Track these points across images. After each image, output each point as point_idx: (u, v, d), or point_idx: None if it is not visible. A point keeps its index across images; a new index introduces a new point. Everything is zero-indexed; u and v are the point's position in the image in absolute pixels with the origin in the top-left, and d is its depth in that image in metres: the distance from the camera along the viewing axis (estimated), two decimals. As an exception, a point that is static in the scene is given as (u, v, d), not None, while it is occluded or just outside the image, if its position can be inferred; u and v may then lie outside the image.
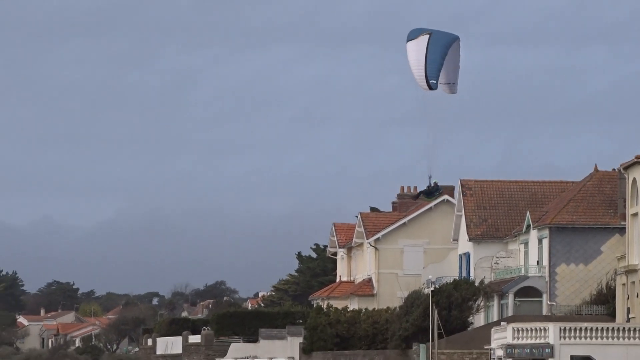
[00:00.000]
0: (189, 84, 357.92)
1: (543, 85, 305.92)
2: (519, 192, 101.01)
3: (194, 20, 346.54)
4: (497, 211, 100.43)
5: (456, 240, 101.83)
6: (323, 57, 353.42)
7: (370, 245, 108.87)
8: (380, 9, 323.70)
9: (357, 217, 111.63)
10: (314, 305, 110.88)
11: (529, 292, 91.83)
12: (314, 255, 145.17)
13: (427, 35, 40.30)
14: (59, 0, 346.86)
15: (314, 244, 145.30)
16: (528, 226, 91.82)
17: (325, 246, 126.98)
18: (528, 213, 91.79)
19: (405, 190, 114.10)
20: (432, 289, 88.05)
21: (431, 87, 40.10)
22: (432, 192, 43.10)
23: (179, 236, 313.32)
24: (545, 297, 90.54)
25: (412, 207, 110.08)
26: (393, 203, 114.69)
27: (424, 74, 39.64)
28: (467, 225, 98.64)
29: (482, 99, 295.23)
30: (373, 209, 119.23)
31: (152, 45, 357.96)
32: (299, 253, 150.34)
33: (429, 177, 41.66)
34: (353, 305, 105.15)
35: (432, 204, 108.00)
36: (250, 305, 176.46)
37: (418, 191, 42.45)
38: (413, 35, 40.35)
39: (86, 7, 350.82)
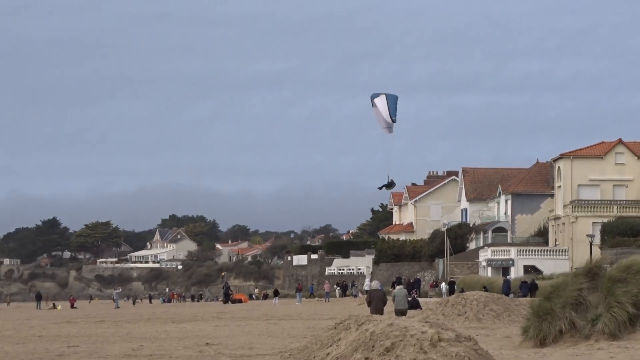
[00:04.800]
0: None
1: None
2: (493, 174, 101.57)
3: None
4: (484, 183, 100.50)
5: (459, 201, 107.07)
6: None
7: (412, 204, 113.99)
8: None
9: (404, 188, 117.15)
10: (381, 237, 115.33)
11: (499, 229, 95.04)
12: (380, 209, 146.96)
13: (384, 95, 40.59)
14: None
15: (380, 203, 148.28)
16: (499, 193, 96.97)
17: (386, 204, 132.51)
18: (499, 187, 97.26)
19: (431, 173, 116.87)
20: (446, 228, 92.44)
21: (393, 121, 40.06)
22: (390, 184, 41.91)
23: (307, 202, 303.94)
24: (509, 232, 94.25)
25: (435, 182, 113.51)
26: (424, 180, 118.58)
27: (388, 113, 38.90)
28: (466, 193, 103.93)
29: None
30: (413, 184, 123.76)
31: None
32: (372, 208, 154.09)
33: (388, 176, 40.84)
34: (402, 237, 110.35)
35: (445, 181, 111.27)
36: (345, 237, 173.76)
37: (381, 185, 41.78)
38: (375, 95, 41.01)
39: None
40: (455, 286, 72.57)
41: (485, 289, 64.45)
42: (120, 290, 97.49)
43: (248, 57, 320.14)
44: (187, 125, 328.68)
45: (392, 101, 39.60)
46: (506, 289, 61.78)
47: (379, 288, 30.90)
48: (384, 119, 39.52)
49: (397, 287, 34.92)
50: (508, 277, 71.03)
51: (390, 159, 41.35)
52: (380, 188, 42.29)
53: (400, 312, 31.53)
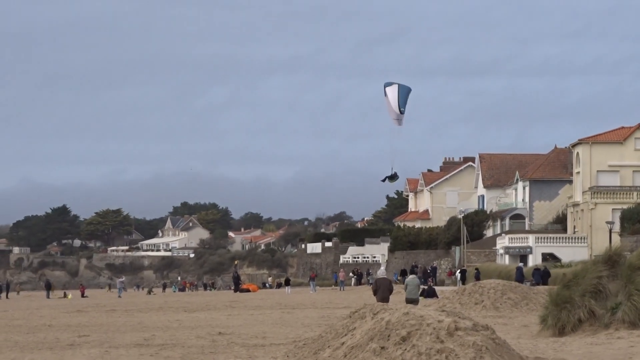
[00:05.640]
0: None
1: None
2: (511, 160, 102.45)
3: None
4: (502, 170, 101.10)
5: (476, 187, 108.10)
6: None
7: (428, 191, 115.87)
8: None
9: (420, 174, 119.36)
10: (396, 225, 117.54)
11: (517, 216, 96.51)
12: (395, 196, 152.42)
13: (397, 85, 40.24)
14: None
15: (396, 190, 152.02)
16: (517, 179, 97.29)
17: (402, 191, 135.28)
18: (517, 173, 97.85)
19: (447, 159, 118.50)
20: (462, 215, 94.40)
21: (401, 112, 39.89)
22: (393, 177, 41.70)
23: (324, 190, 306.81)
24: (526, 219, 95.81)
25: (452, 168, 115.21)
26: (440, 166, 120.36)
27: (397, 104, 39.26)
28: (483, 179, 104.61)
29: None
30: (429, 170, 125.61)
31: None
32: (387, 195, 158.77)
33: (392, 168, 41.18)
34: (418, 224, 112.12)
35: (462, 167, 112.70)
36: (360, 224, 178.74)
37: (384, 177, 41.71)
38: (388, 84, 40.52)
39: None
40: (466, 274, 72.85)
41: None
42: (124, 279, 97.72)
43: (263, 41, 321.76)
44: (201, 111, 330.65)
45: (403, 92, 39.81)
46: (519, 276, 62.14)
47: (386, 276, 30.95)
48: (393, 110, 39.77)
49: (410, 276, 35.05)
50: (520, 264, 71.53)
51: (395, 152, 41.40)
52: (383, 180, 42.44)
53: (411, 302, 31.24)
